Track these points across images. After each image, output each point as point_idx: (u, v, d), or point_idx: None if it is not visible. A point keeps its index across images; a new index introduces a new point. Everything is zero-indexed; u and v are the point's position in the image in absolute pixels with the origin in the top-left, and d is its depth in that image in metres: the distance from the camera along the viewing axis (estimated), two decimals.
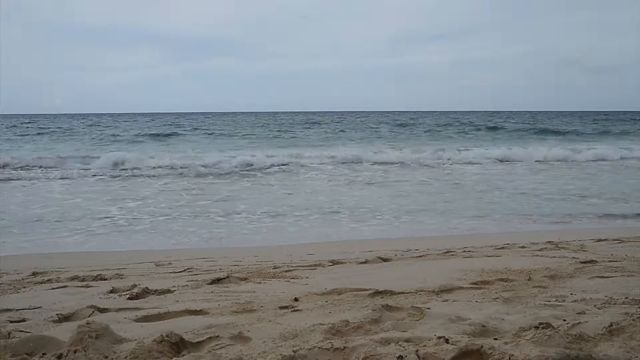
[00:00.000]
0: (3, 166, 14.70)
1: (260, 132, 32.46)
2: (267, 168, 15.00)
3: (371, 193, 10.52)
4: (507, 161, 16.89)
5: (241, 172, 14.15)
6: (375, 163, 16.18)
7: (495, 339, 1.89)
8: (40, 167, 14.88)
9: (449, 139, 27.14)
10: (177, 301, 2.92)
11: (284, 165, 15.56)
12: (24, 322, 2.45)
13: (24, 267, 4.53)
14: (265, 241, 6.45)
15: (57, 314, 2.54)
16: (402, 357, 1.66)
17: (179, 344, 1.92)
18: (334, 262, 4.36)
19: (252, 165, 15.22)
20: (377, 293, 2.87)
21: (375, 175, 13.42)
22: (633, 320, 1.92)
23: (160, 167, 14.78)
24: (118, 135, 29.20)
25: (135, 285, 3.31)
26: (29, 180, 12.60)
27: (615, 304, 2.46)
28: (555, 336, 1.76)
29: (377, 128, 36.28)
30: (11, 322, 2.46)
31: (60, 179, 12.88)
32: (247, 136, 29.52)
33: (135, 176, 13.37)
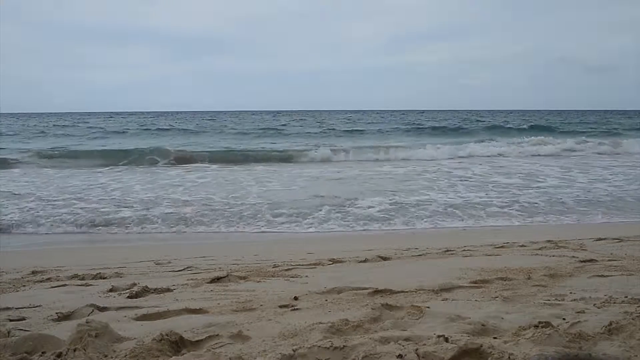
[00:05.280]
0: None
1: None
2: None
3: None
4: None
5: None
6: None
7: (495, 337, 1.89)
8: None
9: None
10: (177, 300, 2.92)
11: None
12: (23, 321, 2.45)
13: (24, 266, 4.53)
14: None
15: (56, 313, 2.54)
16: (401, 356, 1.66)
17: (178, 343, 1.92)
18: (334, 261, 4.36)
19: None
20: (377, 292, 2.87)
21: None
22: (633, 319, 1.91)
23: None
24: None
25: (135, 284, 3.31)
26: None
27: (614, 303, 2.46)
28: (554, 335, 1.76)
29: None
30: (11, 320, 2.46)
31: None
32: None
33: None
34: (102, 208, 8.42)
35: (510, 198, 9.20)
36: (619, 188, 10.26)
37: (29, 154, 17.49)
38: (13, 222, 7.50)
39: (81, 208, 8.44)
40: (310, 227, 7.28)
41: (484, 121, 43.19)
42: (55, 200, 9.12)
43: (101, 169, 14.87)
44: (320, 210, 8.23)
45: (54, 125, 38.87)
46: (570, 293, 2.77)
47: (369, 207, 8.41)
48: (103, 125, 38.02)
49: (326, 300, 2.76)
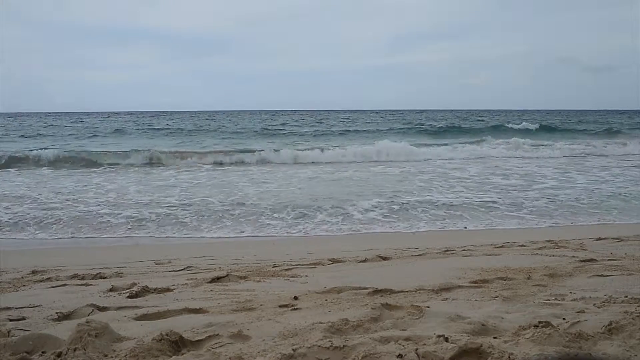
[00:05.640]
0: None
1: None
2: None
3: None
4: None
5: None
6: None
7: (495, 337, 1.89)
8: None
9: None
10: (177, 300, 2.92)
11: None
12: (23, 321, 2.45)
13: (24, 265, 4.53)
14: None
15: (56, 313, 2.54)
16: (401, 356, 1.66)
17: (178, 343, 1.92)
18: (334, 261, 4.36)
19: None
20: (377, 292, 2.87)
21: None
22: (632, 318, 1.92)
23: None
24: None
25: (135, 284, 3.31)
26: None
27: (614, 302, 2.46)
28: (554, 335, 1.76)
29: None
30: (11, 320, 2.46)
31: None
32: None
33: None
34: (100, 209, 8.42)
35: (509, 199, 9.21)
36: (624, 189, 10.23)
37: (22, 153, 17.34)
38: (10, 223, 7.50)
39: (78, 210, 8.43)
40: (309, 227, 7.27)
41: (483, 121, 43.20)
42: (51, 202, 9.09)
43: (95, 168, 14.86)
44: (319, 210, 8.23)
45: (50, 125, 38.78)
46: (570, 293, 2.77)
47: (367, 208, 8.40)
48: (99, 125, 37.94)
49: (326, 300, 2.76)
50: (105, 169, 15.06)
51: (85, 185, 11.32)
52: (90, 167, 15.20)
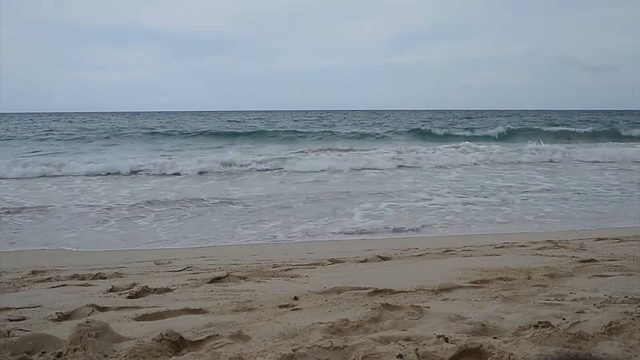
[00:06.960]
0: None
1: None
2: None
3: None
4: None
5: None
6: None
7: (495, 337, 1.89)
8: None
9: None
10: (177, 300, 2.92)
11: None
12: (23, 321, 2.45)
13: (24, 266, 4.53)
14: None
15: (56, 313, 2.55)
16: (401, 356, 1.66)
17: (178, 343, 1.92)
18: (334, 261, 4.36)
19: None
20: (377, 292, 2.87)
21: None
22: (632, 319, 1.91)
23: None
24: None
25: (135, 284, 3.31)
26: None
27: (614, 302, 2.46)
28: (554, 335, 1.76)
29: None
30: (11, 320, 2.46)
31: None
32: None
33: None
34: (91, 212, 8.37)
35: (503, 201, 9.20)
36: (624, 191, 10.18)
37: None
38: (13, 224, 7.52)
39: (77, 211, 8.40)
40: (307, 229, 7.26)
41: (481, 121, 42.69)
42: (46, 203, 8.99)
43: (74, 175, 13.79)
44: (315, 214, 8.22)
45: (41, 125, 37.99)
46: (570, 293, 2.77)
47: (362, 210, 8.37)
48: (90, 127, 36.89)
49: (326, 300, 2.76)
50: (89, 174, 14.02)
51: (72, 189, 10.97)
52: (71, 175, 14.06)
